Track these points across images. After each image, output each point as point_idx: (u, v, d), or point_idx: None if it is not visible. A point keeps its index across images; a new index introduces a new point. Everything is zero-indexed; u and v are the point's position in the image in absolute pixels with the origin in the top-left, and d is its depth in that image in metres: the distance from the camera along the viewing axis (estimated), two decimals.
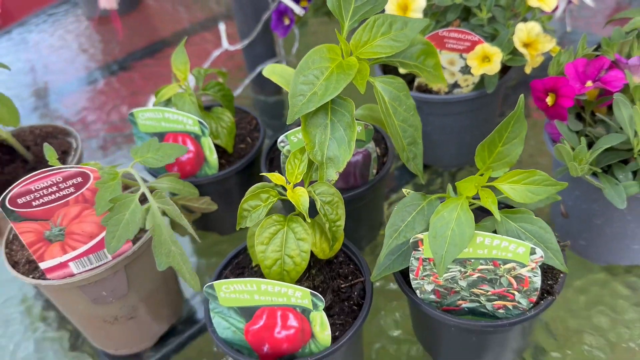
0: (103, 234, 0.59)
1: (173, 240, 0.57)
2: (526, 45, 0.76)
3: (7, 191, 0.53)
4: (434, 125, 0.87)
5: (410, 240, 0.54)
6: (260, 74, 1.13)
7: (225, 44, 1.11)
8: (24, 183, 0.53)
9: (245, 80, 1.15)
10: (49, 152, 0.57)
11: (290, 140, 0.69)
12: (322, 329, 0.55)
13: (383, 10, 0.76)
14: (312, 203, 0.59)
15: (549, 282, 0.59)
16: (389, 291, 0.78)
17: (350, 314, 0.60)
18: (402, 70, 0.85)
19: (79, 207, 0.57)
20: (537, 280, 0.53)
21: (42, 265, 0.59)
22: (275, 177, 0.59)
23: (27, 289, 0.86)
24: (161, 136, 0.76)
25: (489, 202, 0.52)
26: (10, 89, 1.29)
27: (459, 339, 0.61)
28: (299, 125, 0.73)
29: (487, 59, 0.75)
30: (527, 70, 0.77)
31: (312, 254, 0.60)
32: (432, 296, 0.58)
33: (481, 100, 0.83)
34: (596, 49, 0.76)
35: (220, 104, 0.82)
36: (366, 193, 0.74)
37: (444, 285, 0.57)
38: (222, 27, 1.12)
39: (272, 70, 0.70)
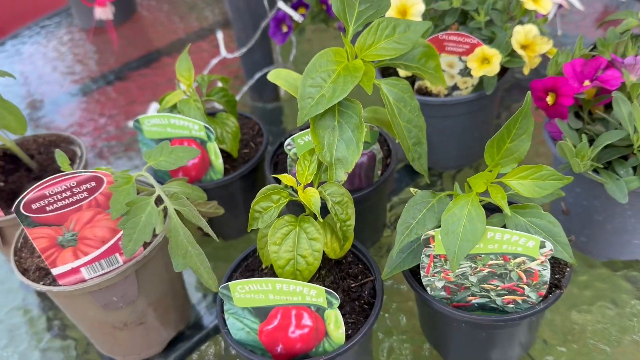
0: (115, 239, 0.60)
1: (190, 242, 0.57)
2: (524, 47, 0.78)
3: (21, 196, 0.53)
4: (434, 127, 0.89)
5: (422, 237, 0.55)
6: (258, 81, 1.14)
7: (223, 52, 1.12)
8: (38, 188, 0.53)
9: (243, 87, 1.15)
10: (61, 158, 0.57)
11: (296, 143, 0.70)
12: (336, 327, 0.56)
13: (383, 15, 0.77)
14: (321, 204, 0.60)
15: (556, 277, 0.60)
16: (396, 290, 0.78)
17: (361, 313, 0.61)
18: (402, 74, 0.87)
19: (92, 211, 0.57)
20: (547, 274, 0.54)
21: (55, 271, 0.59)
22: (286, 178, 0.60)
23: (30, 299, 0.85)
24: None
25: (499, 197, 0.53)
26: None
27: (469, 335, 0.62)
28: (304, 129, 0.74)
29: (486, 61, 0.77)
30: (526, 71, 0.79)
31: (322, 254, 0.61)
32: (443, 293, 0.59)
33: (480, 102, 0.84)
34: (592, 50, 0.78)
35: (224, 110, 0.83)
36: (371, 194, 0.75)
37: (454, 281, 0.58)
38: (219, 35, 1.13)
39: (277, 75, 0.71)
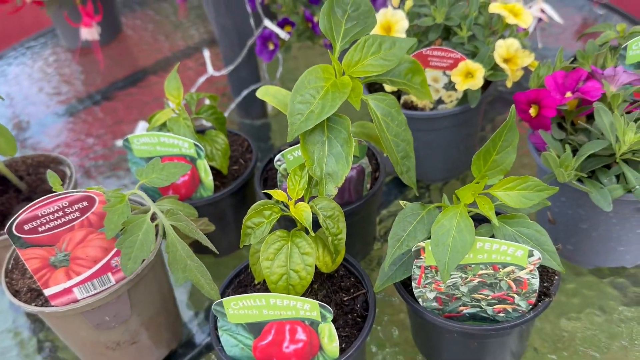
0: (107, 258, 0.60)
1: (189, 255, 0.58)
2: (506, 60, 0.80)
3: (14, 217, 0.53)
4: (421, 140, 0.90)
5: (413, 249, 0.56)
6: (245, 98, 1.15)
7: (210, 69, 1.13)
8: (31, 209, 0.53)
9: (230, 105, 1.16)
10: (53, 178, 0.57)
11: (286, 159, 0.71)
12: (330, 341, 0.56)
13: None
14: (313, 218, 0.61)
15: (544, 285, 0.61)
16: (388, 303, 0.79)
17: (354, 326, 0.62)
18: (387, 89, 0.88)
19: (84, 231, 0.57)
20: (536, 282, 0.55)
21: (47, 292, 0.59)
22: (277, 193, 0.60)
23: (20, 321, 0.85)
24: None
25: (487, 208, 0.54)
26: None
27: (461, 345, 0.63)
28: (293, 145, 0.75)
29: (470, 75, 0.79)
30: (509, 84, 0.81)
31: (314, 268, 0.61)
32: (434, 304, 0.60)
33: (464, 115, 0.86)
34: (572, 62, 0.80)
35: (213, 128, 0.83)
36: (361, 208, 0.76)
37: (445, 292, 0.59)
38: (206, 53, 1.14)
39: (266, 92, 0.72)
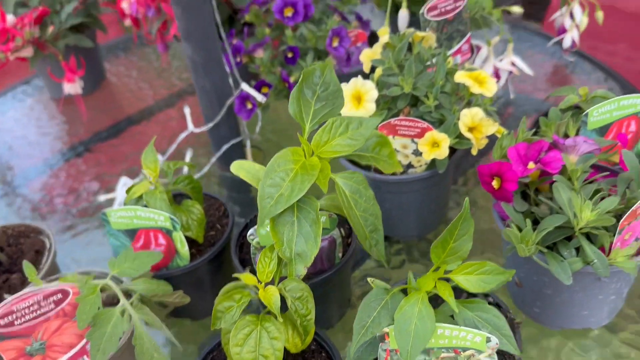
0: (82, 343, 0.61)
1: (155, 348, 0.60)
2: (471, 129, 0.83)
3: None
4: (392, 202, 0.93)
5: (377, 334, 0.58)
6: (225, 152, 1.18)
7: (190, 126, 1.15)
8: (6, 305, 0.55)
9: (211, 159, 1.19)
10: (29, 270, 0.59)
11: (259, 233, 0.73)
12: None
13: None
14: (283, 298, 0.63)
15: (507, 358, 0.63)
16: None
17: None
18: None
19: (59, 321, 0.59)
20: None
21: None
22: (247, 277, 0.62)
23: None
24: (133, 232, 0.79)
25: (447, 294, 0.57)
26: None
27: None
28: None
29: (436, 145, 0.82)
30: (474, 152, 0.84)
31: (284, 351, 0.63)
32: None
33: (434, 178, 0.88)
34: (535, 132, 0.84)
35: (189, 197, 0.85)
36: (334, 276, 0.78)
37: None
38: (187, 110, 1.17)
39: (240, 166, 0.74)
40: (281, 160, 0.67)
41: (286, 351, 0.66)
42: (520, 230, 0.70)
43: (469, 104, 0.88)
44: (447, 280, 0.59)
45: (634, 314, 0.82)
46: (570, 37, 1.31)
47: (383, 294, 0.60)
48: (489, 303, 0.65)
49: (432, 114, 0.86)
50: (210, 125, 1.12)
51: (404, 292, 0.61)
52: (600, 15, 1.30)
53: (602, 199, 0.69)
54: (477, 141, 0.83)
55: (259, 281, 0.63)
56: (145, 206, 0.78)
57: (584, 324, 0.79)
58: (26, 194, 1.25)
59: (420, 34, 0.96)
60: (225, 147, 1.16)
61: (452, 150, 0.88)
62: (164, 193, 0.78)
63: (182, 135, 1.16)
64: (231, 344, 0.59)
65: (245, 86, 1.04)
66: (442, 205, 0.98)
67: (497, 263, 0.61)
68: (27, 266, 0.59)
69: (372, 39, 1.24)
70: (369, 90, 0.86)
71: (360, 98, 0.87)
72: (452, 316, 0.60)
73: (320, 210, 0.67)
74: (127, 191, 0.82)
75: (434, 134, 0.81)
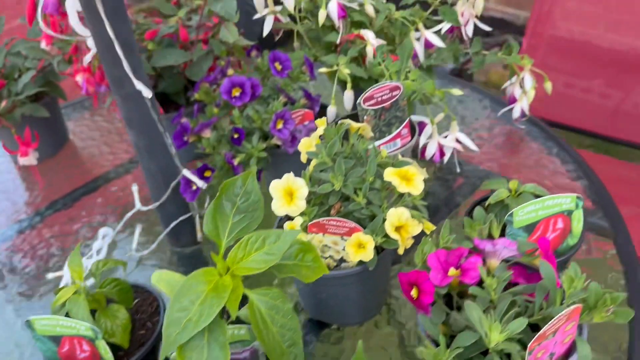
0: None
1: None
2: (398, 228, 0.84)
3: None
4: (329, 292, 0.93)
5: None
6: (175, 228, 1.18)
7: (137, 204, 1.16)
8: None
9: (159, 236, 1.19)
10: None
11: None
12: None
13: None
14: None
15: None
16: None
17: None
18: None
19: None
20: None
21: None
22: None
23: None
24: (58, 338, 0.79)
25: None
26: None
27: None
28: None
29: (362, 246, 0.82)
30: (400, 251, 0.84)
31: None
32: None
33: (367, 272, 0.89)
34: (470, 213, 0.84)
35: (115, 301, 0.85)
36: None
37: None
38: (134, 188, 1.17)
39: (159, 278, 0.75)
40: (193, 281, 0.67)
41: None
42: (437, 343, 0.70)
43: (401, 197, 0.89)
44: None
45: None
46: (520, 107, 1.33)
47: None
48: None
49: (362, 211, 0.87)
50: (157, 204, 1.13)
51: None
52: (548, 85, 1.33)
53: (518, 314, 0.70)
54: (403, 241, 0.83)
55: None
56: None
57: None
58: None
59: (355, 125, 0.97)
60: (173, 224, 1.16)
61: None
62: (85, 301, 0.78)
63: (129, 214, 1.16)
64: None
65: (186, 172, 1.05)
66: (382, 290, 0.99)
67: None
68: None
69: (324, 111, 1.26)
70: (300, 187, 0.86)
71: (292, 194, 0.87)
72: None
73: (240, 323, 0.68)
74: (56, 292, 0.82)
75: (360, 236, 0.82)
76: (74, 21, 0.96)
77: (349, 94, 1.16)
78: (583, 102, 2.42)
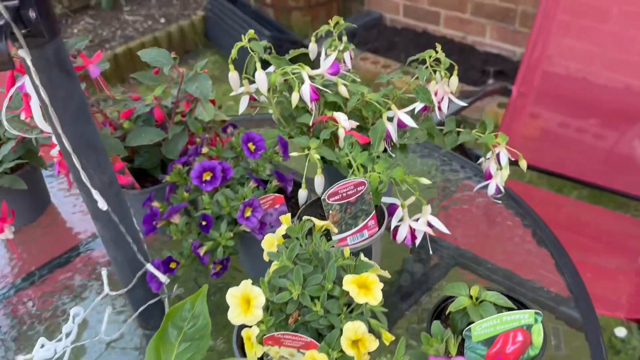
0: None
1: None
2: (355, 342, 0.83)
3: None
4: None
5: None
6: (144, 311, 1.17)
7: (106, 289, 1.16)
8: None
9: (129, 319, 1.18)
10: None
11: None
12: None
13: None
14: None
15: None
16: None
17: None
18: None
19: None
20: None
21: None
22: None
23: None
24: None
25: None
26: None
27: None
28: None
29: None
30: None
31: None
32: None
33: None
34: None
35: None
36: None
37: None
38: (104, 272, 1.17)
39: None
40: None
41: None
42: None
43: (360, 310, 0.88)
44: None
45: None
46: (495, 184, 1.32)
47: None
48: None
49: (320, 322, 0.86)
50: (124, 291, 1.13)
51: None
52: (523, 164, 1.32)
53: None
54: (359, 356, 0.82)
55: None
56: None
57: None
58: None
59: (319, 223, 0.97)
60: (141, 308, 1.16)
61: None
62: None
63: (98, 298, 1.16)
64: None
65: (149, 267, 1.04)
66: None
67: None
68: None
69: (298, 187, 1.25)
70: (257, 296, 0.86)
71: (249, 301, 0.87)
72: None
73: None
74: None
75: (314, 354, 0.81)
76: (37, 119, 0.96)
77: (319, 179, 1.16)
78: (577, 143, 2.41)
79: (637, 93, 2.15)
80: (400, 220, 1.17)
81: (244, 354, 0.88)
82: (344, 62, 1.38)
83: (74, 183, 0.98)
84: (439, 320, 0.88)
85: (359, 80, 1.31)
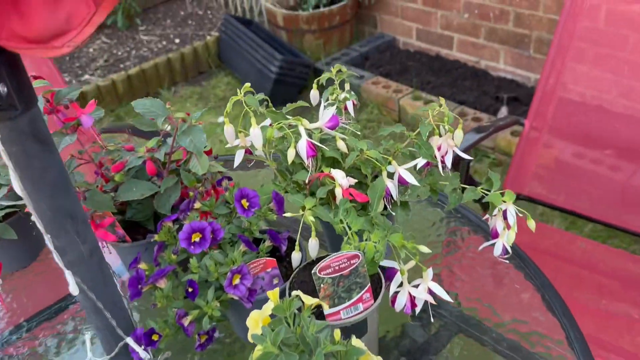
0: None
1: None
2: None
3: None
4: None
5: None
6: None
7: (89, 354, 1.11)
8: None
9: None
10: None
11: None
12: None
13: None
14: None
15: None
16: None
17: None
18: None
19: None
20: None
21: None
22: None
23: None
24: None
25: None
26: None
27: None
28: None
29: None
30: None
31: None
32: None
33: None
34: None
35: None
36: None
37: None
38: (87, 337, 1.12)
39: None
40: None
41: None
42: None
43: None
44: None
45: None
46: (502, 244, 1.25)
47: None
48: None
49: None
50: (107, 358, 1.08)
51: None
52: (532, 224, 1.25)
53: None
54: None
55: None
56: None
57: None
58: None
59: (310, 300, 0.91)
60: None
61: None
62: None
63: None
64: None
65: (129, 340, 0.99)
66: None
67: None
68: None
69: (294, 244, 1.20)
70: None
71: None
72: None
73: None
74: None
75: None
76: (16, 188, 0.92)
77: (313, 242, 1.10)
78: (592, 175, 2.33)
79: None
80: (400, 285, 1.10)
81: None
82: (347, 109, 1.33)
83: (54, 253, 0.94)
84: None
85: (359, 133, 1.26)
